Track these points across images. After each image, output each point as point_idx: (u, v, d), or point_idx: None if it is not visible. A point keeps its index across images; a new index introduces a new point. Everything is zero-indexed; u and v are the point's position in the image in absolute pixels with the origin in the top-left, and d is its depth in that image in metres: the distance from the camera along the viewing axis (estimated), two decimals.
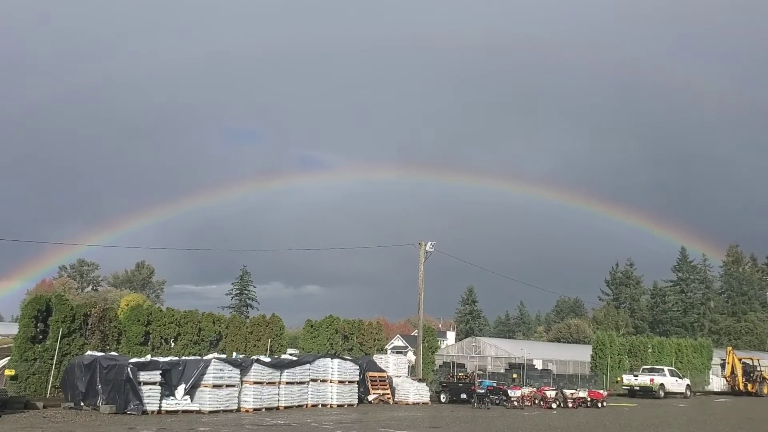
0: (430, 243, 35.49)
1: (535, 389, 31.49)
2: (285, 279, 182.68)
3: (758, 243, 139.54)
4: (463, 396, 29.82)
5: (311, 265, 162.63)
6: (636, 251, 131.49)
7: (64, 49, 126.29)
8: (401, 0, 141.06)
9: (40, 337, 24.83)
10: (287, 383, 24.24)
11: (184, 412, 20.96)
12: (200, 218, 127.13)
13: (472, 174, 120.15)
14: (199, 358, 23.73)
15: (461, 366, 44.25)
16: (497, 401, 28.68)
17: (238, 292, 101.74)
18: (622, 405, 33.71)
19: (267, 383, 23.44)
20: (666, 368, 43.57)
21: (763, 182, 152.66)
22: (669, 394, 41.42)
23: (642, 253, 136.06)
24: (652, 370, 42.92)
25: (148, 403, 20.29)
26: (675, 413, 29.38)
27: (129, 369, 20.26)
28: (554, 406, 29.21)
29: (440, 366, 42.34)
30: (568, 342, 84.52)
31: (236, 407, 22.30)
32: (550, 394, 30.03)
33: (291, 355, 27.59)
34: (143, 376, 20.47)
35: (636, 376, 42.07)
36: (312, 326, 34.91)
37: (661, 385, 41.17)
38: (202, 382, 21.67)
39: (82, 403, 20.92)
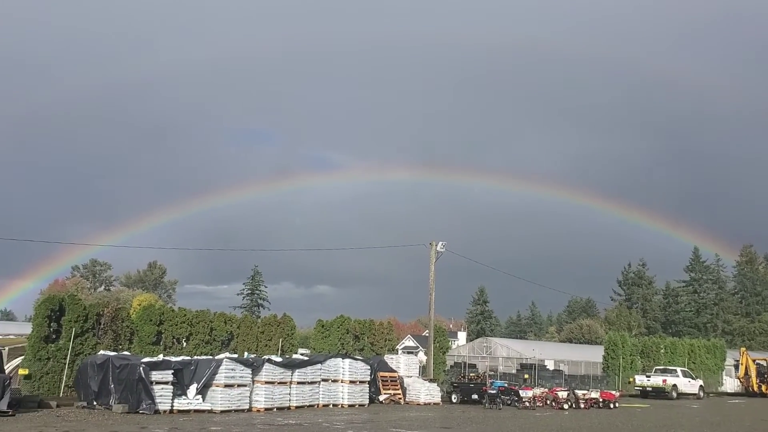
0: (441, 243, 35.44)
1: (546, 390, 31.36)
2: (296, 279, 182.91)
3: None
4: (475, 396, 29.78)
5: (322, 265, 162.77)
6: (648, 251, 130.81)
7: (78, 53, 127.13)
8: (410, 1, 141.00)
9: (54, 336, 25.00)
10: (298, 383, 24.29)
11: (196, 411, 21.03)
12: (212, 218, 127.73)
13: (484, 174, 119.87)
14: (210, 357, 23.79)
15: (472, 366, 44.13)
16: (509, 402, 28.62)
17: (250, 292, 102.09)
18: (635, 406, 33.53)
19: (278, 383, 23.49)
20: (679, 369, 43.32)
21: None
22: (682, 395, 41.18)
23: (654, 253, 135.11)
24: (664, 371, 42.68)
25: (160, 403, 20.37)
26: (688, 414, 29.18)
27: (141, 368, 20.35)
28: (566, 406, 29.11)
29: (451, 366, 42.26)
30: (580, 342, 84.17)
31: (248, 407, 22.36)
32: (562, 394, 29.91)
33: (302, 354, 27.64)
34: (155, 375, 20.55)
35: (648, 376, 41.83)
36: (323, 326, 34.96)
37: (674, 386, 40.93)
38: (214, 382, 21.73)
39: (94, 403, 21.04)
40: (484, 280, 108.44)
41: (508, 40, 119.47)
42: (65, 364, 24.45)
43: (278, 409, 23.04)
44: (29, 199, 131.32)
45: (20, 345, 26.15)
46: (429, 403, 28.94)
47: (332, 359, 26.24)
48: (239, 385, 22.25)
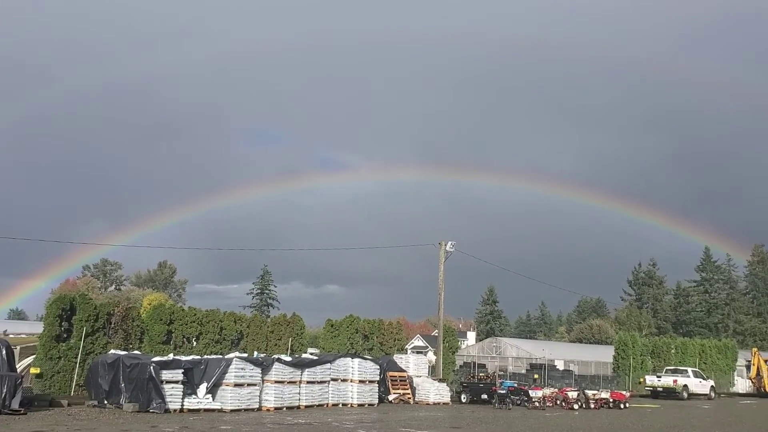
0: (450, 243, 35.41)
1: (556, 390, 31.28)
2: (305, 279, 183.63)
3: None
4: (484, 396, 29.73)
5: (331, 264, 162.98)
6: (659, 251, 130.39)
7: (89, 54, 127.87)
8: (419, 0, 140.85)
9: (65, 335, 25.12)
10: (308, 382, 24.32)
11: (206, 410, 21.10)
12: (222, 218, 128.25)
13: (493, 173, 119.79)
14: (220, 357, 23.85)
15: (482, 366, 44.06)
16: (518, 402, 28.56)
17: (259, 291, 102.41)
18: (645, 406, 33.38)
19: (288, 382, 23.53)
20: (690, 369, 43.11)
21: None
22: (693, 396, 40.97)
23: (665, 253, 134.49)
24: (675, 371, 42.48)
25: (170, 402, 20.44)
26: (699, 415, 29.02)
27: (152, 368, 20.43)
28: (576, 407, 29.02)
29: (461, 366, 42.21)
30: (590, 342, 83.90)
31: (257, 406, 22.41)
32: (572, 394, 29.82)
33: (311, 354, 27.68)
34: (166, 374, 20.62)
35: (659, 377, 41.63)
36: (332, 326, 34.99)
37: (685, 386, 40.71)
38: (224, 381, 21.80)
39: (105, 402, 21.14)
40: (493, 280, 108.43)
41: (513, 40, 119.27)
42: (76, 363, 24.57)
43: (288, 408, 23.08)
44: (40, 199, 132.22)
45: (32, 344, 26.32)
46: (438, 403, 28.91)
47: (341, 359, 26.26)
48: (249, 385, 22.30)
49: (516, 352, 65.98)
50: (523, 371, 45.52)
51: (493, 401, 28.43)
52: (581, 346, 78.58)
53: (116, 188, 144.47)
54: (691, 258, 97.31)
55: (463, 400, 30.73)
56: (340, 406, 25.23)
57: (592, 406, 29.57)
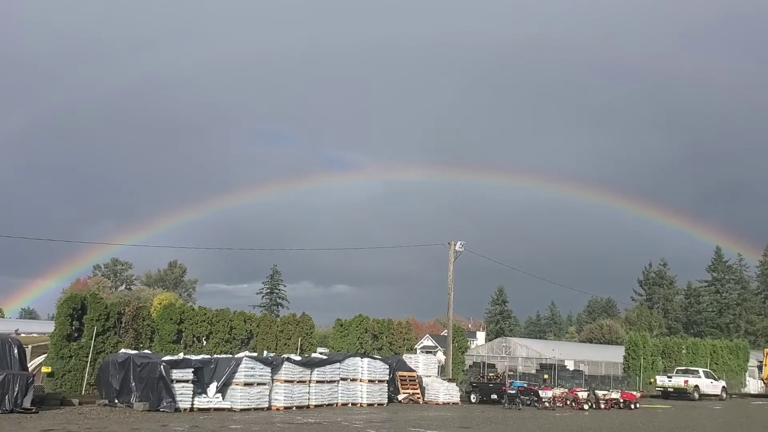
0: (459, 242, 35.37)
1: (566, 390, 31.17)
2: (315, 278, 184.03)
3: None
4: (494, 396, 29.67)
5: (340, 264, 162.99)
6: (670, 251, 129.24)
7: (95, 56, 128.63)
8: (425, 0, 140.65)
9: (76, 335, 25.22)
10: (317, 382, 24.34)
11: (216, 409, 21.15)
12: (231, 218, 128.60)
13: (503, 173, 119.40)
14: (230, 356, 23.91)
15: (492, 366, 43.99)
16: (528, 402, 28.48)
17: (269, 291, 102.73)
18: (656, 407, 33.21)
19: (297, 382, 23.55)
20: (701, 370, 42.85)
21: None
22: (704, 396, 40.71)
23: (676, 253, 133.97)
24: (686, 372, 42.24)
25: (180, 401, 20.50)
26: (710, 416, 28.85)
27: (162, 367, 20.50)
28: (586, 407, 28.91)
29: (470, 366, 42.16)
30: (600, 343, 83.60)
31: (267, 405, 22.45)
32: (582, 395, 29.72)
33: (321, 353, 27.69)
34: (176, 374, 20.69)
35: (670, 377, 41.40)
36: (342, 325, 35.02)
37: (696, 386, 40.47)
38: (234, 380, 21.86)
39: (116, 400, 21.23)
40: (503, 280, 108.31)
41: (520, 39, 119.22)
42: (87, 362, 24.67)
43: (297, 407, 23.11)
44: (51, 200, 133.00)
45: (43, 343, 26.45)
46: (448, 403, 28.87)
47: (351, 358, 26.27)
48: (259, 384, 22.34)
49: (526, 352, 65.82)
50: (533, 371, 45.40)
51: (503, 401, 28.36)
52: (591, 346, 78.30)
53: (126, 189, 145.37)
54: (702, 258, 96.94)
55: (473, 400, 30.68)
56: (350, 405, 25.23)
57: (603, 406, 29.44)
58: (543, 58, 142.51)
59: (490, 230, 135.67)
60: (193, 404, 20.86)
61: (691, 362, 46.93)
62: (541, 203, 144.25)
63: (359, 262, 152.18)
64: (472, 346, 70.61)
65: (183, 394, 20.67)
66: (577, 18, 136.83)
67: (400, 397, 28.19)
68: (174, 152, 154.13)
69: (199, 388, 21.29)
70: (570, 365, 51.66)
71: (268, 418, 19.91)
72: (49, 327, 29.59)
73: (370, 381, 26.14)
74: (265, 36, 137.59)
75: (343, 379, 25.47)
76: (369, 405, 25.61)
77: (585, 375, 44.38)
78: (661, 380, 41.49)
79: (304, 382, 23.84)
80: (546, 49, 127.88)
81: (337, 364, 25.36)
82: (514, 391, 28.65)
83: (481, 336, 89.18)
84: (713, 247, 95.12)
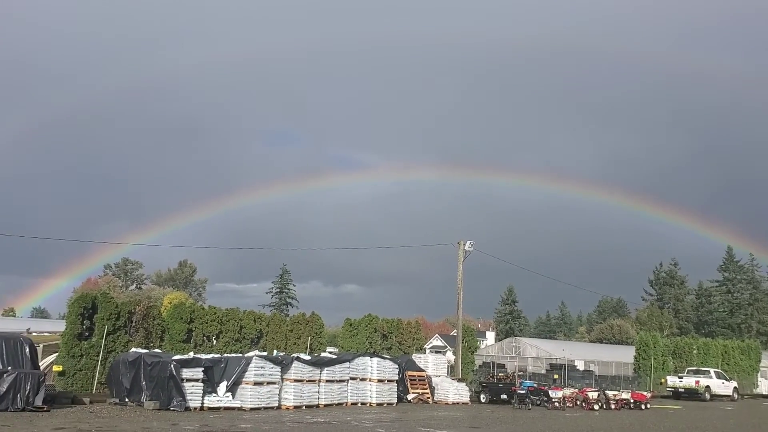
0: (469, 242, 35.31)
1: (576, 390, 31.06)
2: (324, 278, 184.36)
3: None
4: (504, 396, 29.60)
5: (350, 264, 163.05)
6: (680, 250, 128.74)
7: (103, 58, 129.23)
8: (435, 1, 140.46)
9: (87, 334, 25.34)
10: (327, 381, 24.36)
11: (226, 408, 21.20)
12: (241, 218, 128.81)
13: (512, 172, 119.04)
14: (240, 355, 23.95)
15: (501, 366, 43.89)
16: (538, 402, 28.41)
17: (278, 290, 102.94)
18: (667, 407, 33.05)
19: (307, 381, 23.58)
20: (712, 370, 42.62)
21: None
22: (715, 397, 40.49)
23: (687, 253, 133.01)
24: (697, 372, 42.02)
25: (190, 400, 20.54)
26: (722, 416, 28.67)
27: (172, 366, 20.57)
28: (596, 407, 28.81)
29: (480, 366, 42.08)
30: (611, 343, 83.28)
31: (277, 404, 22.49)
32: (593, 395, 29.62)
33: (330, 353, 27.72)
34: (186, 373, 20.75)
35: (681, 377, 41.22)
36: (351, 325, 35.02)
37: (707, 387, 40.25)
38: (244, 380, 21.91)
39: (126, 399, 21.32)
40: (512, 280, 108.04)
41: (532, 37, 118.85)
42: (98, 361, 24.79)
43: (307, 407, 23.13)
44: (62, 200, 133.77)
45: (54, 342, 26.60)
46: (457, 403, 28.83)
47: (360, 358, 26.27)
48: (268, 383, 22.38)
49: (536, 352, 65.65)
50: (543, 371, 45.28)
51: (513, 401, 28.29)
52: (602, 346, 78.03)
53: (136, 189, 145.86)
54: (714, 258, 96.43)
55: (483, 400, 30.62)
56: (359, 405, 25.24)
57: (613, 406, 29.33)
58: (552, 57, 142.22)
59: (500, 230, 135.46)
60: (203, 403, 20.91)
61: (702, 363, 46.65)
62: (550, 203, 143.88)
63: (368, 262, 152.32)
64: (482, 346, 70.45)
65: (193, 393, 20.73)
66: (588, 16, 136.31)
67: (410, 396, 28.17)
68: (183, 153, 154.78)
69: (209, 387, 21.34)
70: (580, 365, 51.48)
71: (278, 417, 19.94)
72: (61, 326, 29.74)
73: (380, 381, 26.13)
74: (271, 36, 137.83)
75: (352, 378, 25.48)
76: (378, 404, 25.61)
77: (595, 375, 44.20)
78: (672, 381, 41.29)
79: (313, 381, 23.86)
80: (554, 47, 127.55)
81: (347, 364, 25.38)
82: (523, 391, 28.57)
83: (490, 336, 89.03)
84: (724, 247, 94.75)
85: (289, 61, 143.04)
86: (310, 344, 31.76)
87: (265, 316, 32.83)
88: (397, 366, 27.35)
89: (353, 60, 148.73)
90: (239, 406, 21.54)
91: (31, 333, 32.80)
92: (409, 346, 35.18)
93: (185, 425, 16.64)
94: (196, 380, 20.91)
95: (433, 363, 31.02)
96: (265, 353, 24.87)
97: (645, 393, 32.40)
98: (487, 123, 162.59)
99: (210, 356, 22.67)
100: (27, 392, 18.43)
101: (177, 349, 26.42)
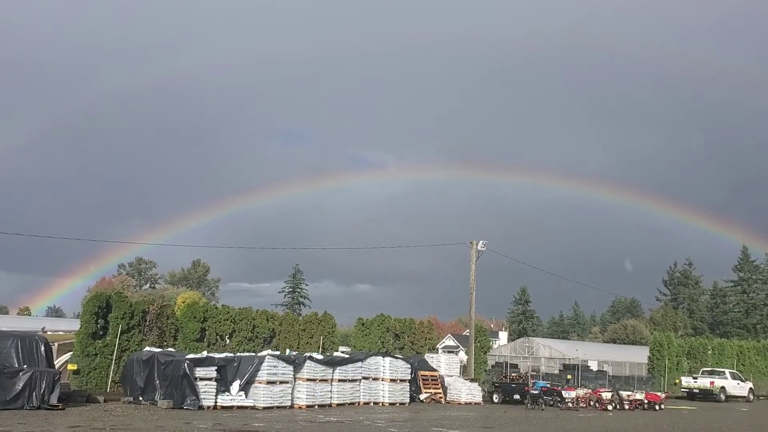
0: (481, 242, 35.24)
1: (590, 390, 30.90)
2: (336, 277, 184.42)
3: None
4: (517, 397, 29.49)
5: (362, 263, 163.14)
6: (695, 250, 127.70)
7: (120, 62, 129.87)
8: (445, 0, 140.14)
9: (101, 333, 25.51)
10: (339, 381, 24.37)
11: (239, 407, 21.26)
12: (254, 218, 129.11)
13: (525, 172, 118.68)
14: (253, 354, 24.04)
15: (514, 366, 43.76)
16: (551, 402, 28.30)
17: (291, 290, 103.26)
18: (681, 408, 32.82)
19: (320, 380, 23.60)
20: (727, 371, 42.27)
21: None
22: (730, 398, 40.16)
23: (701, 253, 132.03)
24: (712, 373, 41.70)
25: (204, 399, 20.61)
26: (737, 417, 28.45)
27: (186, 365, 20.65)
28: (610, 407, 28.65)
29: (493, 366, 41.99)
30: (624, 343, 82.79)
31: (289, 404, 22.53)
32: (606, 395, 29.45)
33: (343, 352, 27.76)
34: (199, 372, 20.82)
35: (695, 378, 40.93)
36: (363, 324, 35.05)
37: (722, 388, 39.93)
38: (257, 379, 21.96)
39: (140, 398, 21.45)
40: (525, 280, 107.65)
41: (542, 36, 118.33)
42: (112, 360, 24.95)
43: (319, 406, 23.16)
44: (77, 200, 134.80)
45: (69, 341, 26.81)
46: (470, 403, 28.76)
47: (373, 357, 26.28)
48: (281, 382, 22.43)
49: (549, 353, 65.39)
50: (556, 372, 45.11)
51: (526, 401, 28.18)
52: (615, 346, 77.59)
53: (150, 190, 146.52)
54: (729, 257, 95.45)
55: (495, 400, 30.54)
56: (372, 404, 25.24)
57: (627, 407, 29.18)
58: (563, 56, 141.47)
59: (513, 229, 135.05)
60: (216, 402, 20.98)
61: (717, 363, 46.30)
62: (563, 202, 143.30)
63: (381, 262, 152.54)
64: (495, 346, 70.24)
65: (206, 392, 20.80)
66: (600, 14, 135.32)
67: (422, 396, 28.14)
68: (197, 153, 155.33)
69: (223, 386, 21.42)
70: (593, 366, 51.26)
71: (291, 416, 19.99)
72: (75, 325, 29.99)
73: (392, 380, 26.12)
74: (284, 37, 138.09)
75: (365, 378, 25.48)
76: (391, 404, 25.61)
77: (609, 375, 43.99)
78: (687, 381, 41.00)
79: (326, 380, 23.88)
80: (566, 45, 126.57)
81: (359, 363, 25.38)
82: (536, 392, 28.44)
83: (503, 336, 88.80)
84: (740, 246, 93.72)
85: (301, 61, 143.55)
86: (323, 344, 31.81)
87: (278, 315, 32.92)
88: (409, 366, 27.33)
89: (366, 60, 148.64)
90: (252, 405, 21.60)
91: (46, 332, 33.11)
92: (422, 346, 35.16)
93: (198, 424, 16.71)
94: (210, 379, 20.99)
95: (446, 363, 30.97)
96: (277, 352, 24.95)
97: (659, 393, 32.20)
98: (499, 123, 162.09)
99: (223, 355, 22.76)
100: (42, 390, 18.59)
101: (190, 348, 26.54)
